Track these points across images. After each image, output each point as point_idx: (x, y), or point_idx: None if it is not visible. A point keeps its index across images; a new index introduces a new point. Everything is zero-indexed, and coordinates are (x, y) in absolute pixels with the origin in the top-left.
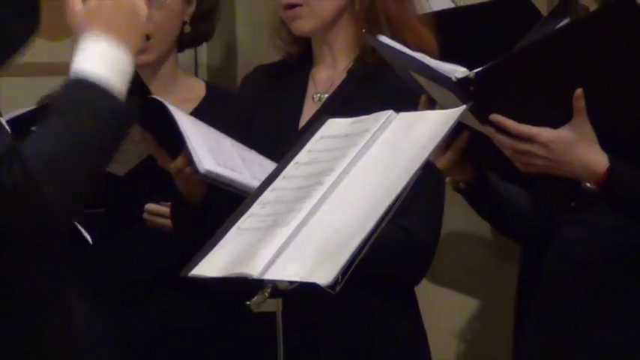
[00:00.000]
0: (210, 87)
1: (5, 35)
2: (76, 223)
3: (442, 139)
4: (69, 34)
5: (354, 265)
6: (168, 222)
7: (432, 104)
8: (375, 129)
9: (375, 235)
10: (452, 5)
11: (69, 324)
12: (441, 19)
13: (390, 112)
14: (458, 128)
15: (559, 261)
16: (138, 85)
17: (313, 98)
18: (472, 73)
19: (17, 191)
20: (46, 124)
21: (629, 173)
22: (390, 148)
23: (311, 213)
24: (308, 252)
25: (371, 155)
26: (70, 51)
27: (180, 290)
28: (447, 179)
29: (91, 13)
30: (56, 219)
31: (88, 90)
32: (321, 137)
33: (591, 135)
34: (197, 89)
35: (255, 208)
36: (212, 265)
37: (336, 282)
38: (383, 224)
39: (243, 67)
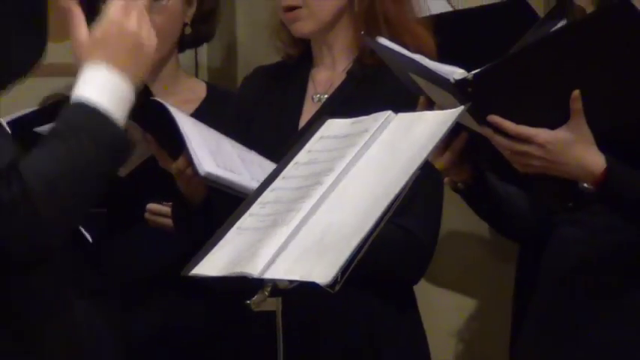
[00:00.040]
0: (210, 88)
1: (8, 62)
2: None
3: (440, 139)
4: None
5: (353, 264)
6: (169, 221)
7: (430, 105)
8: (374, 129)
9: (374, 234)
10: (450, 9)
11: (69, 324)
12: (439, 22)
13: (389, 112)
14: (456, 129)
15: (557, 261)
16: (139, 86)
17: (313, 99)
18: (470, 75)
19: (14, 208)
20: (47, 147)
21: (627, 174)
22: (388, 148)
23: (310, 213)
24: (307, 251)
25: (370, 155)
26: (72, 52)
27: (180, 290)
28: (446, 180)
29: (95, 41)
30: (51, 238)
31: (88, 116)
32: (321, 137)
33: (588, 136)
34: (198, 90)
35: (255, 208)
36: (212, 265)
37: (335, 281)
38: (382, 224)
39: (244, 68)
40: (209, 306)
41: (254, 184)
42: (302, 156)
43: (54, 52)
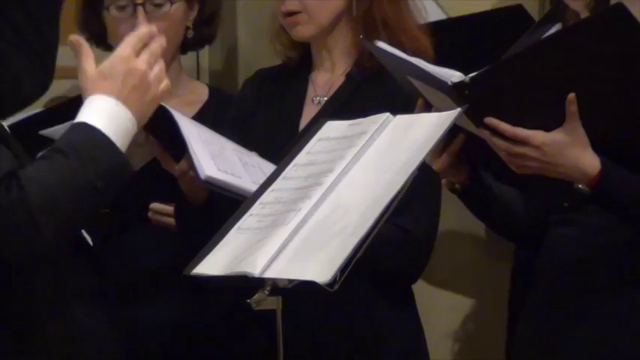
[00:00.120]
0: (213, 91)
1: (17, 91)
2: None
3: (438, 141)
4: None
5: (352, 263)
6: (172, 221)
7: (428, 107)
8: (373, 131)
9: (373, 234)
10: (440, 10)
11: (69, 324)
12: (436, 29)
13: (387, 114)
14: (454, 131)
15: (552, 260)
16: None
17: (313, 101)
18: (467, 78)
19: (12, 215)
20: (50, 162)
21: (621, 176)
22: (387, 149)
23: (310, 213)
24: (307, 251)
25: (368, 157)
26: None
27: (180, 289)
28: (443, 180)
29: (101, 74)
30: (45, 244)
31: (90, 138)
32: (320, 139)
33: (584, 138)
34: (200, 93)
35: (256, 208)
36: (213, 264)
37: (334, 280)
38: (380, 224)
39: (245, 71)
40: (209, 305)
41: (254, 188)
42: (301, 157)
43: (58, 55)
